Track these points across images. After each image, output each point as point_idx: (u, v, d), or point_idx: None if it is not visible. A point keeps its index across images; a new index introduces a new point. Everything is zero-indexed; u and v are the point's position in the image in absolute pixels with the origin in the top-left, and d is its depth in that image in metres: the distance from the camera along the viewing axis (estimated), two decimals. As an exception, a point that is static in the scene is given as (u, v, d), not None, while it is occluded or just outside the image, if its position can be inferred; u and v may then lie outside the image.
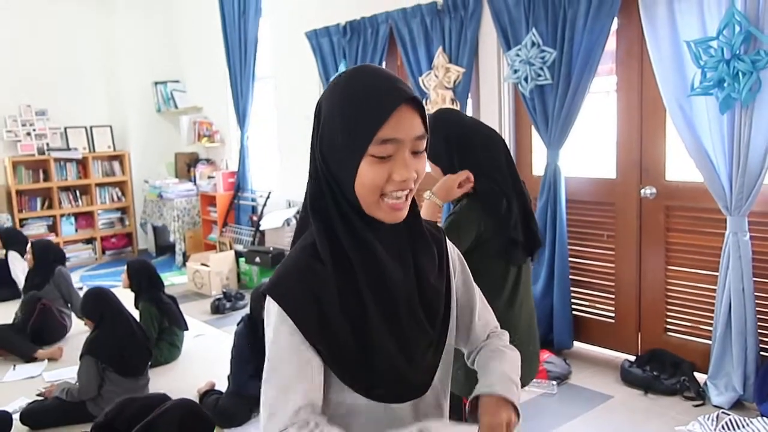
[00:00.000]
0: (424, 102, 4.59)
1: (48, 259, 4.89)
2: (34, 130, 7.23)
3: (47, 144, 7.30)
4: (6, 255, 5.64)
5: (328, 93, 1.11)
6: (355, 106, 1.05)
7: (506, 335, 1.39)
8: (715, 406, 3.29)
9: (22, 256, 5.44)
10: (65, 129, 7.44)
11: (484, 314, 1.36)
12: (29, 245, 5.02)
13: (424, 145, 1.10)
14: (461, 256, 1.34)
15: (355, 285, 1.09)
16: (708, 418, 3.07)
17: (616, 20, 3.68)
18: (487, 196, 1.99)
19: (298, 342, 1.06)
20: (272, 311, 1.08)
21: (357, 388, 1.10)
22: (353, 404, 1.12)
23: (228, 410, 3.32)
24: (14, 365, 4.36)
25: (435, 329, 1.18)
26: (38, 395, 3.69)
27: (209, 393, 3.60)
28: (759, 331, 3.31)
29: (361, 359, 1.09)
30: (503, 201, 1.98)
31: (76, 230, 7.56)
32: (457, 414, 2.14)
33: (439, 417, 1.24)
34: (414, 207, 1.17)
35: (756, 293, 3.27)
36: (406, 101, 1.05)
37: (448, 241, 1.30)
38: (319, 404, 1.08)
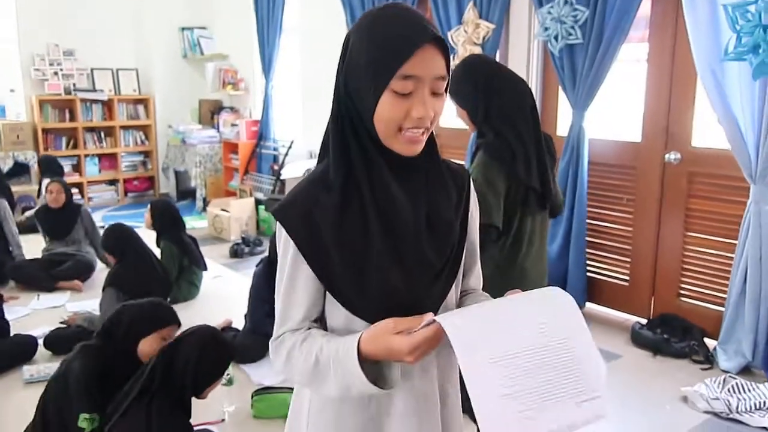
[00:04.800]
0: (451, 57, 4.57)
1: (71, 195, 4.99)
2: (61, 69, 7.28)
3: (74, 84, 7.36)
4: (40, 182, 5.74)
5: (357, 26, 1.14)
6: (382, 40, 1.08)
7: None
8: (723, 371, 3.33)
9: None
10: (92, 70, 7.49)
11: (476, 254, 1.37)
12: (60, 185, 4.96)
13: (444, 87, 1.12)
14: (477, 203, 1.34)
15: (360, 213, 1.13)
16: (714, 381, 3.11)
17: (652, -20, 3.62)
18: (492, 147, 2.00)
19: (299, 261, 1.14)
20: (282, 233, 1.16)
21: (354, 310, 1.15)
22: (351, 323, 1.16)
23: (244, 347, 3.41)
24: (38, 295, 4.49)
25: (442, 262, 1.19)
26: (61, 323, 3.81)
27: (226, 330, 3.70)
28: (773, 300, 3.32)
29: (358, 283, 1.13)
30: (509, 148, 1.98)
31: (100, 171, 7.67)
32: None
33: (445, 348, 1.27)
34: (433, 146, 1.19)
35: (773, 262, 3.27)
36: (431, 41, 1.07)
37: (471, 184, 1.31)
38: (317, 316, 1.18)
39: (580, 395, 1.01)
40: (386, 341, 1.05)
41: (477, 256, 1.36)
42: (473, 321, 1.01)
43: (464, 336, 0.96)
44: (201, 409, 2.44)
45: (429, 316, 1.04)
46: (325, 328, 1.20)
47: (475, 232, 1.33)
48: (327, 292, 1.16)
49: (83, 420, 2.27)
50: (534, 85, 4.34)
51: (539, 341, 1.00)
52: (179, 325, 2.64)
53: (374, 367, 1.09)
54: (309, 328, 1.17)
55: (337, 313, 1.17)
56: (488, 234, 1.96)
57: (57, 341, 3.55)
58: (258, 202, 6.34)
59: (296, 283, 1.16)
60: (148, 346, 2.45)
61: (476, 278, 1.37)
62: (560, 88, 4.13)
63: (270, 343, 1.20)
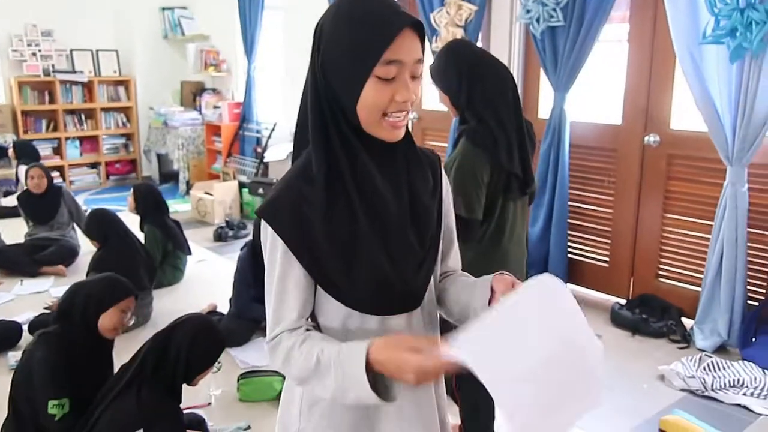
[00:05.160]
0: (434, 39, 4.58)
1: (52, 179, 4.96)
2: (39, 50, 7.18)
3: (53, 66, 7.26)
4: (17, 168, 5.69)
5: (331, 15, 1.13)
6: (362, 27, 1.08)
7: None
8: (699, 349, 3.41)
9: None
10: (71, 51, 7.39)
11: (454, 236, 1.40)
12: (41, 170, 4.91)
13: (421, 70, 1.14)
14: (449, 184, 1.37)
15: (346, 204, 1.14)
16: (691, 360, 3.19)
17: (633, -37, 3.63)
18: (475, 134, 2.02)
19: (289, 259, 1.14)
20: (268, 231, 1.16)
21: (347, 302, 1.17)
22: (347, 320, 1.18)
23: (229, 331, 3.43)
24: (21, 280, 4.48)
25: (425, 248, 1.23)
26: (46, 308, 3.81)
27: (211, 314, 3.72)
28: (748, 280, 3.39)
29: (349, 274, 1.15)
30: (490, 134, 2.00)
31: (81, 154, 7.59)
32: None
33: (432, 333, 1.31)
34: (408, 130, 1.21)
35: (748, 243, 3.34)
36: (409, 25, 1.09)
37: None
38: (308, 315, 1.18)
39: (589, 388, 1.05)
40: (398, 354, 1.02)
41: (454, 237, 1.38)
42: (488, 344, 0.99)
43: (486, 365, 0.96)
44: (187, 393, 2.46)
45: (446, 350, 0.99)
46: (317, 327, 1.21)
47: (451, 214, 1.36)
48: (318, 287, 1.17)
49: (53, 407, 2.26)
50: (516, 67, 4.36)
51: (552, 346, 1.01)
52: (137, 296, 2.62)
53: (376, 377, 1.05)
54: (307, 329, 1.16)
55: (330, 307, 1.18)
56: (470, 228, 1.99)
57: (41, 327, 3.48)
58: (241, 185, 6.32)
59: (287, 283, 1.15)
60: (108, 321, 2.42)
61: (455, 260, 1.40)
62: (542, 70, 4.15)
63: (266, 344, 1.20)
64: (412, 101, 1.13)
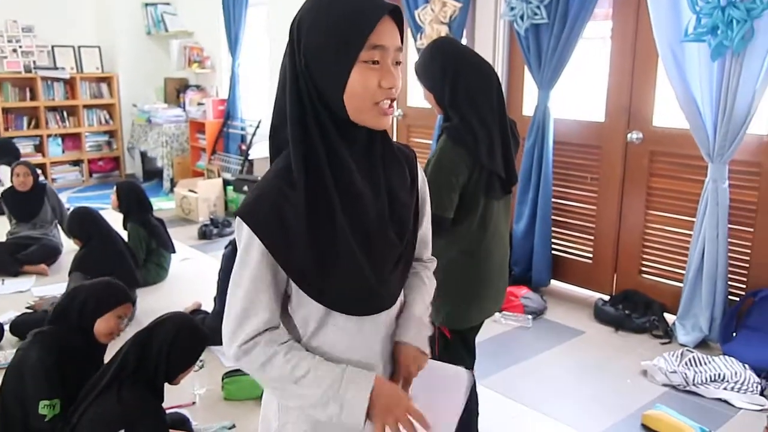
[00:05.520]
0: (419, 36, 4.58)
1: (37, 177, 4.91)
2: (20, 46, 7.09)
3: (34, 62, 7.18)
4: None
5: (309, 7, 1.14)
6: (343, 15, 1.10)
7: (434, 263, 1.46)
8: (681, 345, 3.45)
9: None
10: (52, 47, 7.31)
11: (426, 236, 1.41)
12: (27, 167, 4.85)
13: (401, 57, 1.17)
14: (425, 178, 1.39)
15: (326, 204, 1.13)
16: (673, 355, 3.23)
17: (615, -39, 3.65)
18: (455, 131, 2.03)
19: (266, 262, 1.13)
20: (243, 232, 1.14)
21: (326, 303, 1.17)
22: (324, 319, 1.18)
23: (213, 329, 3.40)
24: (3, 280, 4.43)
25: (403, 244, 1.24)
26: (28, 308, 3.78)
27: (196, 312, 3.70)
28: (729, 276, 3.43)
29: (330, 277, 1.14)
30: (472, 132, 2.00)
31: (63, 151, 7.52)
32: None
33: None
34: (384, 130, 1.22)
35: (729, 240, 3.38)
36: (389, 13, 1.12)
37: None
38: (276, 319, 1.18)
39: None
40: (400, 395, 1.18)
41: (426, 227, 1.40)
42: None
43: None
44: (171, 393, 2.45)
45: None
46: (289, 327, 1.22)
47: (427, 206, 1.38)
48: (294, 286, 1.16)
49: (44, 407, 2.26)
50: (500, 64, 4.37)
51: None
52: (133, 302, 2.61)
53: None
54: (286, 342, 1.17)
55: (306, 305, 1.18)
56: (440, 225, 2.00)
57: (23, 326, 3.50)
58: (226, 183, 6.29)
59: (260, 284, 1.14)
60: (104, 326, 2.42)
61: (421, 245, 1.40)
62: (526, 67, 4.16)
63: (235, 345, 1.16)
64: (397, 87, 1.14)
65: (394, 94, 1.14)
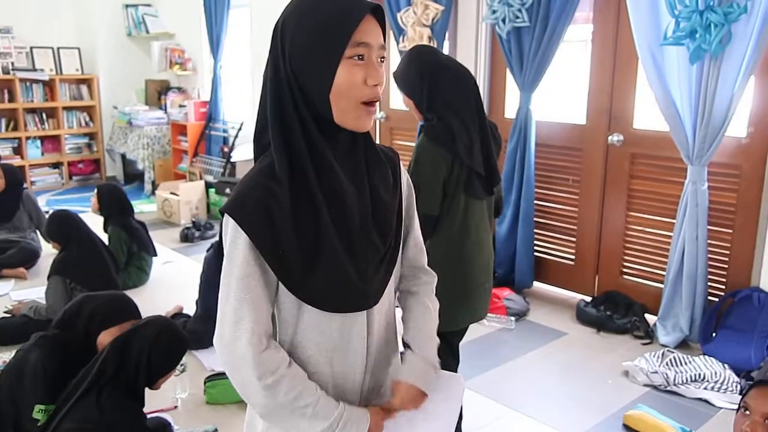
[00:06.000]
0: (401, 39, 4.58)
1: (17, 182, 4.84)
2: (-2, 48, 7.00)
3: (12, 63, 7.09)
4: None
5: (292, 9, 1.15)
6: (328, 14, 1.11)
7: (434, 279, 1.45)
8: (662, 345, 3.48)
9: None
10: (31, 49, 7.22)
11: (419, 240, 1.42)
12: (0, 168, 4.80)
13: (385, 55, 1.18)
14: (410, 180, 1.39)
15: (310, 203, 1.14)
16: (654, 355, 3.25)
17: (596, -35, 3.68)
18: (433, 129, 2.04)
19: (253, 258, 1.12)
20: (230, 227, 1.14)
21: (309, 300, 1.17)
22: (307, 318, 1.19)
23: (195, 333, 3.39)
24: (-20, 284, 4.37)
25: (386, 245, 1.25)
26: (6, 312, 3.72)
27: (177, 316, 3.67)
28: (708, 276, 3.47)
29: (314, 274, 1.15)
30: (449, 130, 2.02)
31: (42, 154, 7.43)
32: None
33: (390, 330, 1.33)
34: (367, 132, 1.22)
35: (709, 241, 3.42)
36: (371, 11, 1.13)
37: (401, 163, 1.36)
38: (269, 317, 1.17)
39: None
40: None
41: (410, 233, 1.39)
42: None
43: None
44: (153, 397, 2.44)
45: None
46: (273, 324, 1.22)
47: (412, 208, 1.39)
48: (278, 281, 1.16)
49: (38, 411, 2.25)
50: (482, 67, 4.39)
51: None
52: (141, 318, 2.62)
53: None
54: (289, 362, 1.17)
55: (287, 302, 1.18)
56: (427, 224, 2.00)
57: (2, 331, 3.46)
58: (208, 185, 6.25)
59: (250, 281, 1.13)
60: (108, 339, 2.42)
61: (415, 251, 1.41)
62: (508, 70, 4.18)
63: (220, 344, 1.15)
64: (382, 85, 1.16)
65: (379, 93, 1.15)
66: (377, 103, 1.18)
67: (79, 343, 2.44)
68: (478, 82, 2.15)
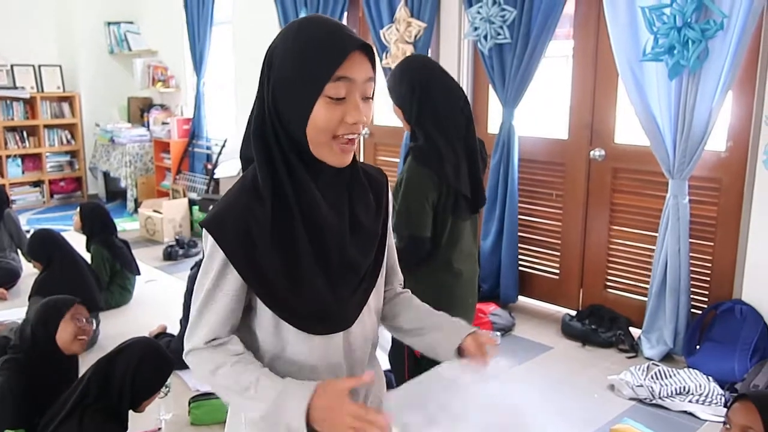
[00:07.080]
0: (384, 56, 4.61)
1: (2, 200, 4.78)
2: (-22, 65, 6.95)
3: (-8, 81, 7.04)
4: None
5: (282, 38, 1.15)
6: (313, 47, 1.10)
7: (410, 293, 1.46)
8: (647, 358, 3.49)
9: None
10: (11, 66, 7.17)
11: (395, 263, 1.43)
12: None
13: (373, 90, 1.16)
14: (393, 206, 1.40)
15: (290, 224, 1.14)
16: (639, 369, 3.27)
17: (575, -17, 3.74)
18: (421, 152, 2.05)
19: (225, 271, 1.14)
20: (208, 242, 1.16)
21: (285, 318, 1.17)
22: (285, 336, 1.19)
23: (179, 353, 3.35)
24: (-41, 305, 4.30)
25: (364, 269, 1.24)
26: (-15, 334, 3.65)
27: (161, 336, 3.63)
28: (691, 289, 3.50)
29: (289, 293, 1.15)
30: (437, 152, 2.02)
31: (23, 172, 7.36)
32: (399, 361, 2.25)
33: (367, 351, 1.32)
34: (354, 157, 1.22)
35: (691, 254, 3.45)
36: (359, 47, 1.11)
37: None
38: (230, 329, 1.19)
39: None
40: (340, 398, 1.07)
41: (395, 256, 1.41)
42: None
43: None
44: (137, 418, 2.40)
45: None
46: (250, 339, 1.22)
47: (391, 236, 1.38)
48: (257, 299, 1.17)
49: None
50: (465, 83, 4.43)
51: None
52: (85, 305, 2.61)
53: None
54: (241, 354, 1.17)
55: (265, 319, 1.19)
56: (418, 246, 2.01)
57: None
58: (192, 203, 6.22)
59: (216, 293, 1.16)
60: (66, 334, 2.44)
61: (392, 265, 1.41)
62: (490, 86, 4.22)
63: (188, 353, 1.19)
64: (364, 123, 1.14)
65: (359, 130, 1.14)
66: (356, 136, 1.16)
67: (44, 357, 2.41)
68: (465, 98, 2.16)
